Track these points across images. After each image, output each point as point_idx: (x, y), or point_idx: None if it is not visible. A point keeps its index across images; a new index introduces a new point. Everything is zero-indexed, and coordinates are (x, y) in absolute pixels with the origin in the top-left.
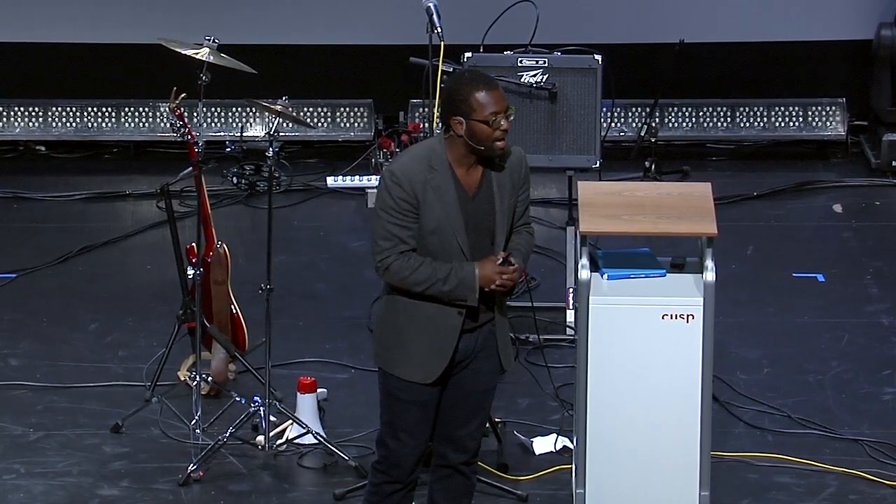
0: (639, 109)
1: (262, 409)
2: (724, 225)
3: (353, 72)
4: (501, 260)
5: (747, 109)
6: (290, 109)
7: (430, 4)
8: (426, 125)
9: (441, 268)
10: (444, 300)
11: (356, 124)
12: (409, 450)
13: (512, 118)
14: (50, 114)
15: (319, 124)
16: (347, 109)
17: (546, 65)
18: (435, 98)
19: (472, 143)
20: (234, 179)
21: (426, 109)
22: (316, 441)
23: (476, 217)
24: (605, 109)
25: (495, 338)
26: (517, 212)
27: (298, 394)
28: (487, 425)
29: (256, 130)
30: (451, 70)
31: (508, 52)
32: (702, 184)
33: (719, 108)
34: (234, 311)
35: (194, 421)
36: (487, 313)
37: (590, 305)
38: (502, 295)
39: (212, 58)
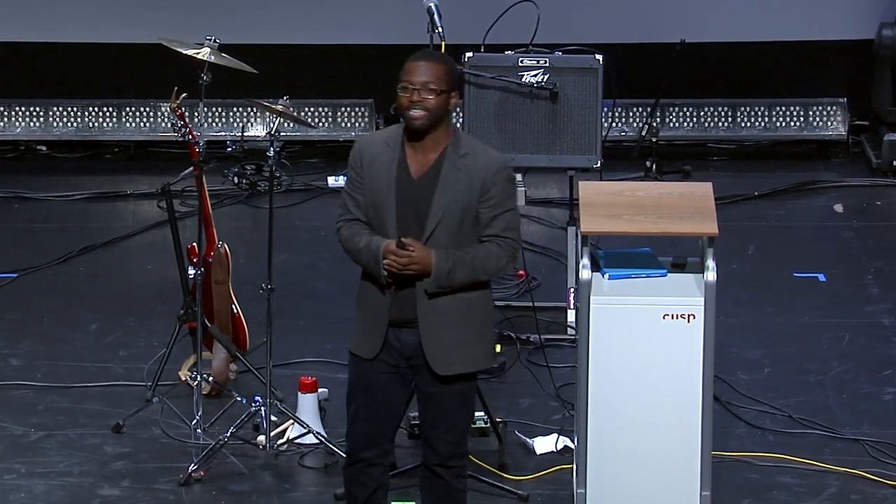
0: (640, 109)
1: (262, 408)
2: (725, 225)
3: (353, 71)
4: (397, 242)
5: (748, 109)
6: (291, 109)
7: (431, 4)
8: None
9: (363, 238)
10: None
11: (357, 124)
12: (356, 427)
13: (431, 97)
14: (51, 114)
15: (320, 124)
16: (348, 109)
17: (547, 64)
18: None
19: (398, 111)
20: (235, 179)
21: None
22: (317, 441)
23: (414, 201)
24: (605, 109)
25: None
26: (482, 219)
27: (299, 394)
28: (486, 425)
29: (257, 130)
30: None
31: (509, 51)
32: (703, 184)
33: (720, 108)
34: (235, 310)
35: (195, 421)
36: (417, 311)
37: (591, 305)
38: (396, 276)
39: (213, 58)
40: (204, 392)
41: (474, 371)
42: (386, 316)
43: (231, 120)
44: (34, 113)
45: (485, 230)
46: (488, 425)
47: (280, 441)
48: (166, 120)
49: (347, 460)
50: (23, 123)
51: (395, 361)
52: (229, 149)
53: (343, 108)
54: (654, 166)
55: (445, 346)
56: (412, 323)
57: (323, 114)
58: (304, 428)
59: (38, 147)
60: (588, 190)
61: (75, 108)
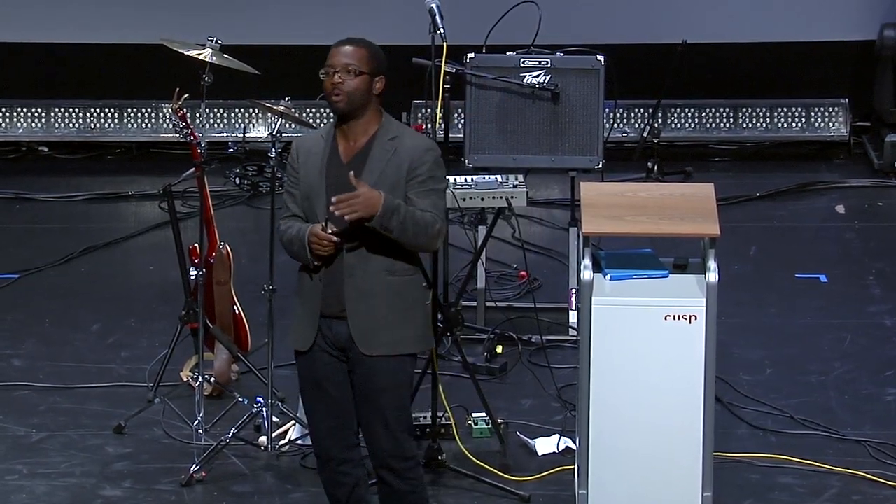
0: (641, 110)
1: (264, 409)
2: (727, 226)
3: None
4: (322, 225)
5: (750, 110)
6: (293, 110)
7: (433, 5)
8: (429, 126)
9: (294, 228)
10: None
11: None
12: (316, 426)
13: (348, 79)
14: (53, 114)
15: (322, 125)
16: None
17: (549, 65)
18: (438, 99)
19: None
20: (237, 180)
21: (429, 110)
22: None
23: (343, 185)
24: (607, 110)
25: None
26: (410, 198)
27: (301, 394)
28: (488, 426)
29: (259, 131)
30: (453, 70)
31: (511, 52)
32: (704, 184)
33: (722, 109)
34: (237, 311)
35: (197, 422)
36: (344, 292)
37: (592, 306)
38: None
39: (214, 58)
40: (205, 393)
41: (402, 354)
42: (318, 307)
43: (233, 121)
44: (36, 114)
45: (414, 206)
46: (490, 426)
47: (282, 442)
48: (168, 121)
49: (318, 463)
50: (24, 124)
51: (332, 351)
52: (231, 150)
53: None
54: (655, 167)
55: (371, 327)
56: (343, 314)
57: (324, 115)
58: (306, 429)
59: (40, 148)
60: (590, 191)
61: (77, 109)
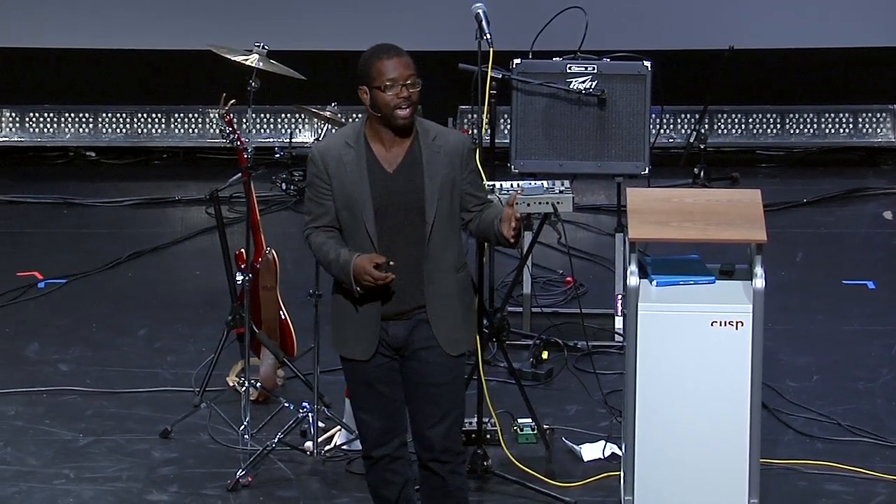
0: (688, 116)
1: (310, 414)
2: (774, 232)
3: None
4: (378, 263)
5: (797, 116)
6: (339, 115)
7: (480, 10)
8: (475, 131)
9: (332, 251)
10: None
11: None
12: (368, 426)
13: (418, 88)
14: (100, 120)
15: None
16: None
17: (595, 71)
18: (484, 104)
19: (374, 112)
20: (283, 185)
21: (475, 115)
22: None
23: (397, 194)
24: (654, 116)
25: (430, 327)
26: (466, 191)
27: (347, 399)
28: (533, 431)
29: (306, 136)
30: (499, 76)
31: (557, 58)
32: (751, 190)
33: (769, 115)
34: (283, 316)
35: (243, 427)
36: (414, 300)
37: (639, 312)
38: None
39: (261, 64)
40: (252, 398)
41: (466, 353)
42: (378, 313)
43: (279, 126)
44: (83, 119)
45: (475, 199)
46: (535, 432)
47: (327, 447)
48: (215, 126)
49: (367, 464)
50: (72, 129)
51: (386, 352)
52: (277, 155)
53: None
54: (702, 173)
55: (453, 327)
56: (401, 315)
57: None
58: (352, 434)
59: (88, 153)
60: (636, 197)
61: (124, 115)
